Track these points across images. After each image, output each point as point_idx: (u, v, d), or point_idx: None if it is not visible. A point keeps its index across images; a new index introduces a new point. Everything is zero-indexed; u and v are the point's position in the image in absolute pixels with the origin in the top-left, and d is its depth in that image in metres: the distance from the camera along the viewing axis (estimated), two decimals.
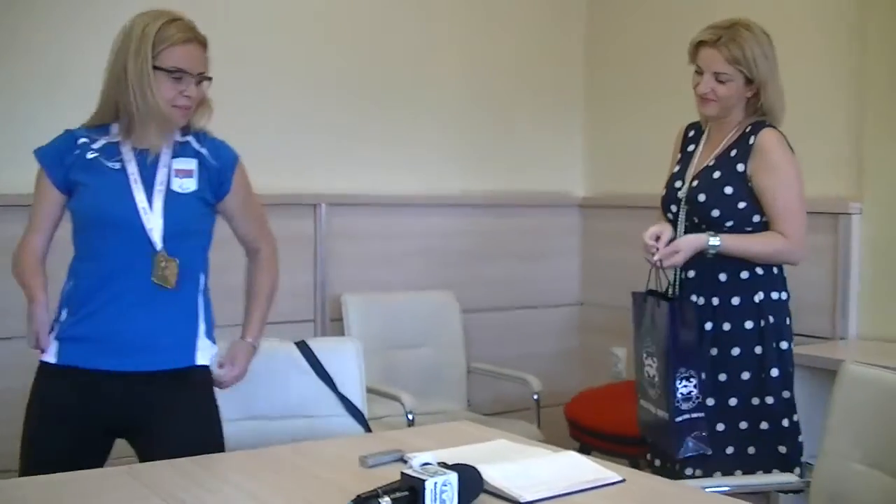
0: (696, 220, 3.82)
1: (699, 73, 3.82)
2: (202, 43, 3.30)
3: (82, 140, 3.22)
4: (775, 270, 3.82)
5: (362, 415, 3.57)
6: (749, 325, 3.76)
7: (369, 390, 3.84)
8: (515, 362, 5.60)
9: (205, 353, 3.35)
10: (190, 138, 3.37)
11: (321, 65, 5.43)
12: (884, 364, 3.18)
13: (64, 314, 3.22)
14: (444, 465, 2.54)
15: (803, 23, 5.10)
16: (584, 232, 6.35)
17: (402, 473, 2.46)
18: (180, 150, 3.32)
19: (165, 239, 3.22)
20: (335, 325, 5.34)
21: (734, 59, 3.73)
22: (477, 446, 2.98)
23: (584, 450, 4.95)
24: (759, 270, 3.78)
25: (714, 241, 3.71)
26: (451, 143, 5.89)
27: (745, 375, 3.75)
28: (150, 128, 3.21)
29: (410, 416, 4.64)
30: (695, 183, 3.84)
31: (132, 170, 3.22)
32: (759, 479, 3.54)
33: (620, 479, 2.70)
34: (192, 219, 3.34)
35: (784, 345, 3.78)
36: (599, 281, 6.25)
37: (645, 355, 3.82)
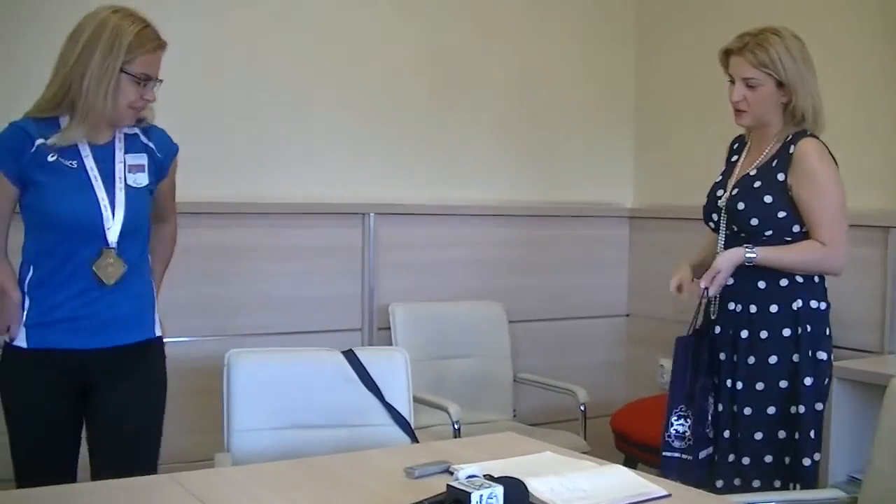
0: (736, 229, 3.83)
1: (732, 82, 3.83)
2: (164, 48, 3.37)
3: (39, 141, 3.27)
4: (816, 279, 3.80)
5: (409, 424, 3.56)
6: (787, 332, 3.74)
7: (416, 400, 3.84)
8: (562, 373, 5.59)
9: (159, 326, 3.64)
10: (137, 131, 3.48)
11: (371, 76, 5.44)
12: None
13: (27, 302, 3.37)
14: (489, 477, 2.54)
15: (849, 35, 5.08)
16: (632, 243, 6.34)
17: (448, 486, 2.47)
18: (130, 145, 3.44)
19: (121, 235, 3.36)
20: (382, 334, 5.35)
21: (760, 62, 3.73)
22: (523, 458, 2.98)
23: (630, 461, 4.94)
24: (799, 278, 3.76)
25: (750, 254, 3.72)
26: (500, 153, 5.89)
27: (783, 384, 3.74)
28: (101, 124, 3.33)
29: (457, 426, 4.65)
30: (735, 191, 3.84)
31: (91, 165, 3.34)
32: (805, 495, 3.53)
33: (666, 493, 2.69)
34: (146, 212, 3.48)
35: (822, 355, 3.75)
36: (647, 292, 6.23)
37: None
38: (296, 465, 3.03)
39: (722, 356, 3.84)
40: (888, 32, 4.95)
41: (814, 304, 3.77)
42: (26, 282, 3.37)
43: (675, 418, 3.76)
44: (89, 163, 3.33)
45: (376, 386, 3.57)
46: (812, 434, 3.71)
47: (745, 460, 3.77)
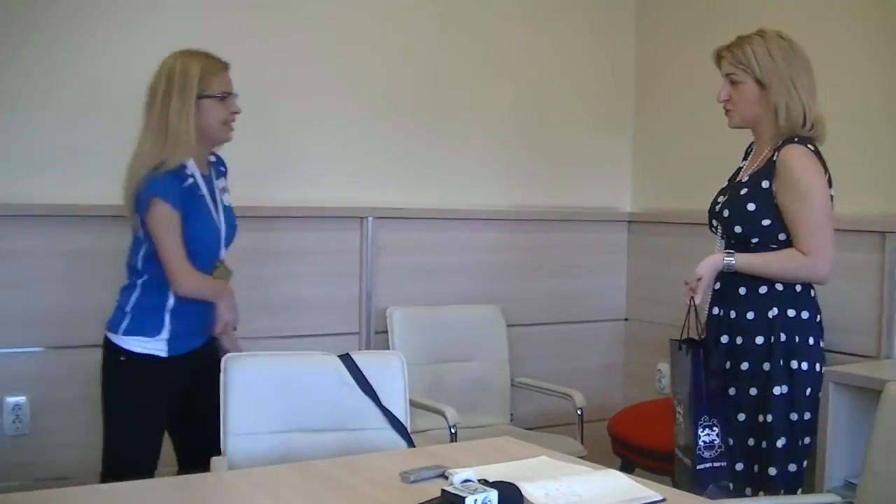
0: (727, 236, 3.88)
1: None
2: (229, 68, 3.97)
3: (190, 180, 3.88)
4: (798, 288, 3.81)
5: (405, 429, 3.57)
6: (759, 340, 3.77)
7: (413, 403, 3.85)
8: (560, 377, 5.60)
9: None
10: (213, 159, 4.09)
11: (370, 80, 5.45)
12: None
13: (167, 319, 3.91)
14: (484, 481, 2.55)
15: (848, 42, 5.09)
16: (631, 247, 6.35)
17: (443, 490, 2.48)
18: (216, 172, 4.07)
19: (225, 247, 4.05)
20: (380, 337, 5.36)
21: (737, 59, 3.82)
22: (518, 463, 2.99)
23: (627, 466, 4.95)
24: (779, 287, 3.78)
25: (729, 259, 3.78)
26: (498, 157, 5.90)
27: (753, 391, 3.77)
28: (202, 152, 3.95)
29: (453, 430, 4.65)
30: (723, 198, 3.91)
31: (204, 192, 3.94)
32: (801, 499, 3.53)
33: (661, 498, 2.69)
34: (235, 226, 4.12)
35: (801, 364, 3.75)
36: (646, 296, 6.24)
37: (676, 402, 3.87)
38: (292, 468, 3.03)
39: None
40: (885, 38, 4.96)
41: (791, 313, 3.77)
42: (170, 308, 3.92)
43: (701, 430, 3.72)
44: (203, 190, 3.93)
45: (373, 390, 3.57)
46: (781, 444, 3.72)
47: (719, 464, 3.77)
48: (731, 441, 3.75)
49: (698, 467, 3.71)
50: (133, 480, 2.88)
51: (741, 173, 3.97)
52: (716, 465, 3.71)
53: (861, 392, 4.33)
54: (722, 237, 3.93)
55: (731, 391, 3.78)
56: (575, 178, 6.25)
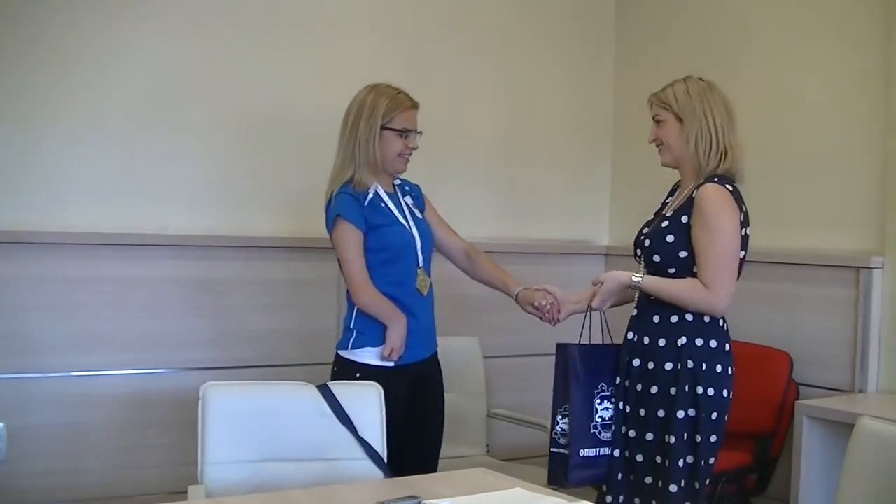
0: (647, 265, 4.01)
1: None
2: (417, 108, 4.37)
3: (370, 196, 4.24)
4: (706, 319, 3.90)
5: (382, 459, 3.57)
6: (668, 366, 3.87)
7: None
8: (537, 408, 5.58)
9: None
10: (397, 180, 4.43)
11: (340, 101, 5.48)
12: None
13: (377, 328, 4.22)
14: None
15: (829, 78, 5.14)
16: None
17: None
18: (401, 190, 4.43)
19: (424, 259, 4.34)
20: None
21: (660, 99, 4.02)
22: (493, 494, 3.00)
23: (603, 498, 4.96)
24: (688, 317, 3.88)
25: (636, 278, 3.93)
26: (476, 190, 5.93)
27: (660, 413, 3.86)
28: (383, 175, 4.31)
29: None
30: (647, 230, 4.05)
31: (390, 206, 4.29)
32: None
33: None
34: (431, 237, 4.44)
35: (700, 389, 3.83)
36: (623, 328, 6.25)
37: (598, 400, 4.04)
38: (268, 498, 3.04)
39: (617, 380, 4.00)
40: (861, 74, 5.00)
41: (699, 342, 3.87)
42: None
43: (560, 417, 3.99)
44: (391, 206, 4.28)
45: (350, 420, 3.58)
46: (681, 463, 3.81)
47: (631, 477, 3.96)
48: (640, 457, 3.92)
49: (552, 449, 3.98)
50: None
51: (666, 208, 4.08)
52: (562, 451, 3.94)
53: (834, 426, 4.37)
54: (644, 266, 4.05)
55: (642, 412, 3.90)
56: (553, 212, 6.29)
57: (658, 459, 3.86)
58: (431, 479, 3.31)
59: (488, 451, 5.47)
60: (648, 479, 3.90)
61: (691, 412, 3.81)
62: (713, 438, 3.85)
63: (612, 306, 4.13)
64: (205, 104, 5.15)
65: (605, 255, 6.39)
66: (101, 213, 4.89)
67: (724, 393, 3.88)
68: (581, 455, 3.94)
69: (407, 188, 4.47)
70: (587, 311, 4.08)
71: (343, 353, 4.28)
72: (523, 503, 2.89)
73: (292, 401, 3.62)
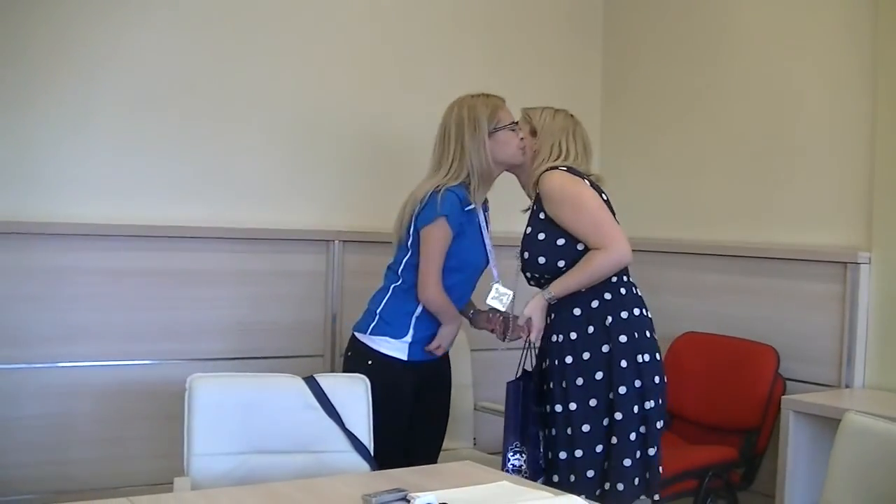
0: (534, 276, 4.14)
1: None
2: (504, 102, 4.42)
3: (471, 206, 4.30)
4: (623, 291, 4.01)
5: (368, 451, 3.57)
6: (605, 348, 3.93)
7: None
8: None
9: None
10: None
11: (334, 102, 5.47)
12: (888, 414, 3.20)
13: (413, 324, 4.31)
14: None
15: (813, 77, 5.14)
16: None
17: None
18: (484, 207, 4.45)
19: (501, 274, 4.40)
20: None
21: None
22: (479, 487, 3.00)
23: None
24: (607, 295, 3.98)
25: (548, 295, 4.02)
26: None
27: (611, 395, 3.91)
28: (487, 183, 4.37)
29: None
30: (520, 248, 4.18)
31: (480, 219, 4.38)
32: None
33: None
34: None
35: (640, 358, 3.93)
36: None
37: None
38: (254, 490, 3.04)
39: (551, 384, 4.07)
40: (846, 71, 5.01)
41: (624, 314, 3.97)
42: (416, 316, 4.32)
43: (511, 454, 4.03)
44: (480, 218, 4.39)
45: (337, 413, 3.58)
46: (633, 437, 3.88)
47: (590, 473, 3.96)
48: (582, 453, 3.95)
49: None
50: (92, 501, 2.88)
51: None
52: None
53: (821, 421, 4.37)
54: (531, 277, 4.18)
55: (592, 402, 3.95)
56: None
57: (614, 440, 3.91)
58: (417, 472, 3.31)
59: (475, 445, 5.47)
60: (591, 473, 3.95)
61: (637, 383, 3.91)
62: (660, 401, 3.96)
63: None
64: (191, 95, 5.14)
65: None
66: (86, 204, 4.87)
67: (658, 356, 4.02)
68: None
69: (485, 203, 4.51)
70: (527, 345, 4.20)
71: (360, 336, 4.36)
72: (509, 496, 2.89)
73: (279, 393, 3.61)
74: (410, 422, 4.32)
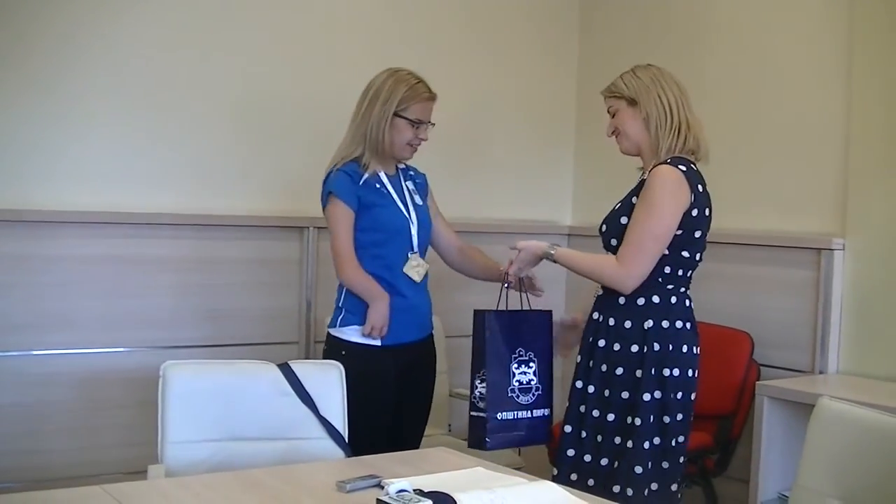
0: (606, 249, 4.04)
1: None
2: (434, 99, 4.40)
3: (365, 175, 4.29)
4: (673, 300, 3.91)
5: (343, 438, 3.57)
6: (634, 348, 3.88)
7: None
8: None
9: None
10: (402, 165, 4.49)
11: (310, 85, 5.46)
12: (861, 400, 3.21)
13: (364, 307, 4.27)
14: (419, 492, 2.57)
15: (793, 62, 5.15)
16: None
17: (378, 500, 2.50)
18: (405, 175, 4.48)
19: (419, 242, 4.37)
20: (319, 347, 5.31)
21: (610, 91, 4.08)
22: (454, 473, 3.00)
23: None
24: (655, 299, 3.89)
25: (552, 250, 4.03)
26: (440, 170, 5.89)
27: (625, 395, 3.88)
28: (389, 159, 4.36)
29: None
30: (607, 215, 4.08)
31: (391, 190, 4.34)
32: None
33: None
34: (429, 224, 4.49)
35: (667, 371, 3.85)
36: (585, 308, 6.25)
37: (516, 364, 4.17)
38: (228, 477, 3.04)
39: (578, 359, 4.06)
40: (824, 59, 5.02)
41: (665, 324, 3.88)
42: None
43: (479, 381, 4.05)
44: (390, 189, 4.34)
45: (311, 399, 3.58)
46: (647, 446, 3.82)
47: (587, 457, 3.95)
48: (599, 438, 3.93)
49: (471, 413, 4.04)
50: (67, 489, 2.87)
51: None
52: (482, 415, 4.02)
53: (795, 406, 4.39)
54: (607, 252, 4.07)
55: (606, 393, 3.92)
56: (516, 192, 6.30)
57: (617, 441, 3.87)
58: (392, 459, 3.31)
59: (450, 431, 5.47)
60: (604, 461, 3.91)
61: (657, 394, 3.82)
62: (680, 417, 3.87)
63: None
64: (163, 84, 5.12)
65: (569, 234, 6.39)
66: (58, 192, 4.85)
67: (690, 373, 3.91)
68: (499, 418, 4.02)
69: (411, 173, 4.53)
70: (504, 277, 4.18)
71: (332, 332, 4.36)
72: (484, 482, 2.88)
73: (253, 380, 3.61)
74: (396, 409, 4.34)
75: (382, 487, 2.74)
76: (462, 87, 6.00)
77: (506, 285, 4.18)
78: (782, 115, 5.18)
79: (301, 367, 3.66)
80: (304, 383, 3.60)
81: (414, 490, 2.61)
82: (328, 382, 3.65)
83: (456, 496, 2.57)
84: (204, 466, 3.35)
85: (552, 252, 4.01)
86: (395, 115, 4.27)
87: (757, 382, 4.75)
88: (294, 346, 5.36)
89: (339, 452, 3.52)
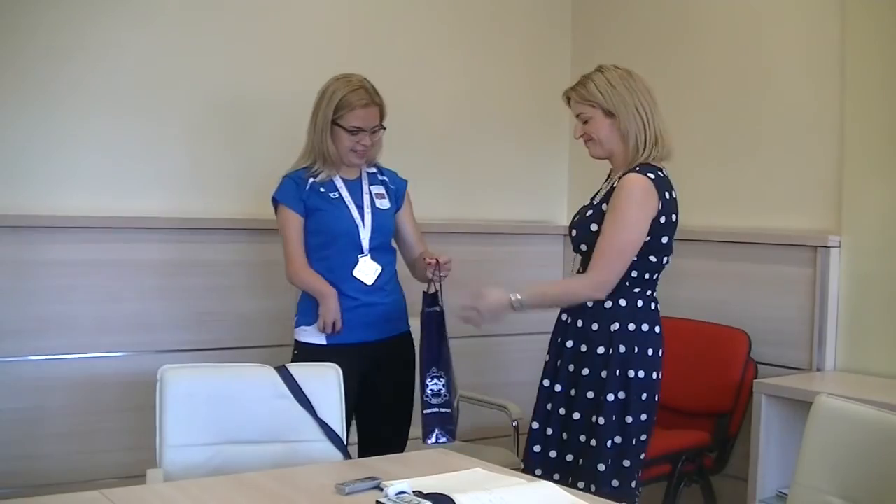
0: (577, 253, 4.06)
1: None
2: (378, 104, 4.39)
3: (311, 180, 4.37)
4: (640, 303, 3.93)
5: (341, 440, 3.57)
6: (601, 350, 3.89)
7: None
8: (496, 389, 5.61)
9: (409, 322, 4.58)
10: (374, 170, 4.55)
11: (301, 88, 5.45)
12: (859, 397, 3.21)
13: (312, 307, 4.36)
14: (419, 493, 2.57)
15: (787, 58, 5.15)
16: (566, 260, 6.36)
17: (377, 502, 2.49)
18: (372, 179, 4.50)
19: (371, 245, 4.38)
20: None
21: (582, 96, 3.97)
22: (453, 475, 3.00)
23: None
24: (622, 302, 3.91)
25: (517, 298, 3.96)
26: (434, 171, 5.91)
27: (590, 395, 3.91)
28: (342, 165, 4.41)
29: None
30: (575, 218, 4.09)
31: (345, 195, 4.38)
32: None
33: None
34: (390, 228, 4.51)
35: (632, 373, 3.87)
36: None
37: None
38: (227, 480, 3.04)
39: (547, 358, 4.12)
40: (818, 56, 5.02)
41: (631, 327, 3.90)
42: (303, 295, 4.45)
43: (430, 379, 4.08)
44: (344, 193, 4.38)
45: (309, 402, 3.57)
46: (609, 444, 3.84)
47: (553, 453, 4.00)
48: (565, 435, 3.98)
49: (425, 412, 4.03)
50: (65, 494, 2.87)
51: (597, 196, 4.10)
52: (441, 410, 4.04)
53: (793, 404, 4.39)
54: (575, 252, 4.11)
55: (572, 392, 3.96)
56: (511, 192, 6.30)
57: (582, 439, 3.91)
58: (391, 461, 3.31)
59: None
60: (569, 457, 3.96)
61: (621, 395, 3.86)
62: (643, 417, 3.90)
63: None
64: (156, 88, 5.11)
65: (564, 234, 6.38)
66: (53, 196, 4.85)
67: (654, 375, 3.94)
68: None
69: (384, 179, 4.56)
70: (436, 279, 4.28)
71: (294, 335, 4.47)
72: (483, 483, 2.89)
73: (250, 383, 3.61)
74: (362, 407, 4.42)
75: (382, 489, 2.74)
76: (454, 86, 6.02)
77: (434, 279, 4.28)
78: (777, 111, 5.18)
79: (298, 370, 3.66)
80: (302, 386, 3.59)
81: (413, 492, 2.61)
82: (326, 385, 3.65)
83: (455, 497, 2.57)
84: (202, 470, 3.35)
85: (520, 300, 3.95)
86: (333, 122, 4.31)
87: (754, 380, 4.74)
88: (289, 349, 5.33)
89: (338, 455, 3.52)
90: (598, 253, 3.85)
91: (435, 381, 4.05)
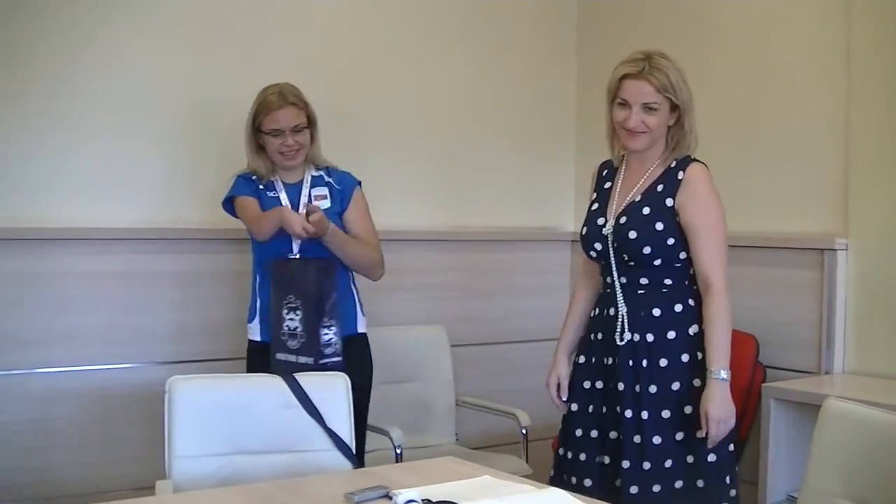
0: (626, 258, 3.77)
1: (623, 105, 3.79)
2: (294, 104, 4.43)
3: (255, 178, 4.51)
4: (694, 304, 3.75)
5: (350, 449, 3.57)
6: (685, 358, 3.70)
7: None
8: (505, 396, 5.59)
9: (361, 323, 4.62)
10: (322, 172, 4.59)
11: (312, 91, 5.46)
12: (868, 399, 3.20)
13: (257, 301, 4.52)
14: (428, 501, 2.57)
15: (793, 62, 5.15)
16: (574, 267, 6.36)
17: None
18: (315, 182, 4.55)
19: (303, 246, 4.38)
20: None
21: (662, 86, 3.70)
22: (462, 482, 2.99)
23: None
24: (692, 302, 3.73)
25: (721, 375, 3.61)
26: (442, 177, 5.92)
27: (688, 409, 3.69)
28: (279, 169, 4.51)
29: (398, 451, 4.66)
30: (623, 220, 3.79)
31: (283, 198, 4.47)
32: None
33: None
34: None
35: (698, 382, 3.69)
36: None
37: (286, 311, 4.33)
38: (236, 491, 3.04)
39: (621, 386, 3.74)
40: (825, 59, 5.02)
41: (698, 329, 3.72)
42: (255, 286, 4.58)
43: (322, 331, 4.26)
44: (282, 196, 4.48)
45: (318, 411, 3.58)
46: (712, 458, 3.66)
47: (656, 488, 3.67)
48: (651, 465, 3.67)
49: (320, 362, 4.23)
50: None
51: (619, 193, 3.91)
52: (335, 359, 4.28)
53: (802, 407, 4.38)
54: (614, 260, 3.83)
55: (666, 414, 3.69)
56: (518, 199, 6.29)
57: (679, 437, 3.69)
58: (400, 469, 3.32)
59: (457, 440, 5.47)
60: (679, 484, 3.68)
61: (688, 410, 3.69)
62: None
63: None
64: (159, 97, 5.12)
65: (571, 241, 6.38)
66: (61, 208, 4.86)
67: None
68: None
69: (328, 181, 4.60)
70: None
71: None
72: (492, 491, 2.88)
73: (259, 393, 3.61)
74: None
75: (391, 498, 2.74)
76: (459, 92, 6.01)
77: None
78: (783, 115, 5.18)
79: (307, 380, 3.66)
80: (311, 395, 3.60)
81: (422, 500, 2.61)
82: (334, 394, 3.65)
83: None
84: (212, 480, 3.35)
85: (725, 373, 3.61)
86: (258, 130, 4.44)
87: (763, 384, 4.74)
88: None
89: (347, 464, 3.53)
90: (711, 255, 3.66)
91: (325, 331, 4.31)
